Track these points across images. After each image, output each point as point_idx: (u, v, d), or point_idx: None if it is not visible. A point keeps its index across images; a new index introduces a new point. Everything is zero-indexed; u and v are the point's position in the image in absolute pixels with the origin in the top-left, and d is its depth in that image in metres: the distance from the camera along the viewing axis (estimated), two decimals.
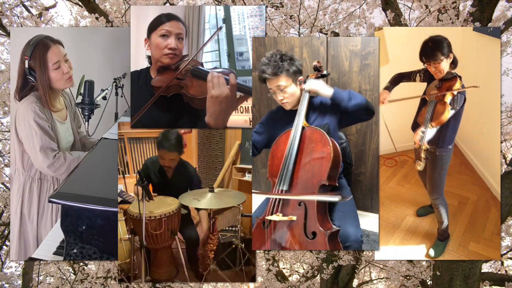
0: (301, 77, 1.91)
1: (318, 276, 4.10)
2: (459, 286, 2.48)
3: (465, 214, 2.16)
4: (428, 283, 2.92)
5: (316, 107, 1.93)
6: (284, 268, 4.32)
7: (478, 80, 2.10)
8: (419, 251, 2.13)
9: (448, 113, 1.91)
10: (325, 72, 1.96)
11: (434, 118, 1.92)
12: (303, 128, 1.84)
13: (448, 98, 1.92)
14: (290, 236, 1.78)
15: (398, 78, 2.14)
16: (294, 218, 1.76)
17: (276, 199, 1.80)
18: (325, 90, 1.86)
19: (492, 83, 2.10)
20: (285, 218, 1.76)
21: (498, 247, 2.09)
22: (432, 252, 2.12)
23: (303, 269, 4.43)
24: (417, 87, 2.10)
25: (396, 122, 2.16)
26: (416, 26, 2.55)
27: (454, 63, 1.98)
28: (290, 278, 4.22)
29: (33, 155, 2.09)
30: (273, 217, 1.76)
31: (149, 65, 2.04)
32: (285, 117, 1.96)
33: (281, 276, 3.91)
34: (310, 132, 1.84)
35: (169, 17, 1.98)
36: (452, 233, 2.13)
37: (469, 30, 2.15)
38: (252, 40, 2.22)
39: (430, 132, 1.94)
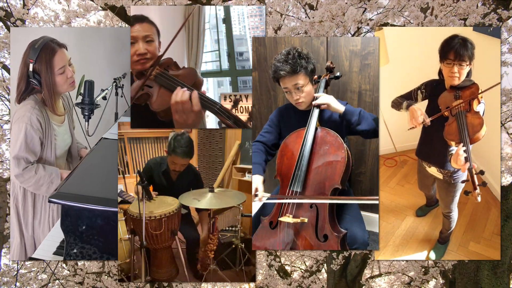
0: (315, 76, 1.89)
1: (324, 270, 4.04)
2: (487, 277, 2.20)
3: (465, 214, 2.16)
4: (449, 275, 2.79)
5: (326, 116, 1.92)
6: (286, 264, 4.26)
7: (478, 80, 2.10)
8: (420, 256, 2.13)
9: (485, 126, 1.56)
10: (338, 74, 1.93)
11: (471, 133, 1.57)
12: (316, 128, 1.82)
13: (476, 106, 1.62)
14: (300, 238, 1.78)
15: (400, 102, 2.02)
16: (306, 220, 1.75)
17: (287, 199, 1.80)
18: (336, 105, 1.82)
19: (492, 83, 2.09)
20: (298, 220, 1.75)
21: (498, 247, 2.09)
22: (432, 255, 2.12)
23: (306, 265, 4.40)
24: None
25: (396, 122, 2.16)
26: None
27: (469, 73, 1.80)
28: (292, 275, 4.17)
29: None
30: (286, 219, 1.75)
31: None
32: (295, 116, 1.93)
33: (283, 272, 3.86)
34: (323, 133, 1.82)
35: (135, 20, 1.92)
36: (452, 233, 2.13)
37: (469, 30, 2.15)
38: (252, 40, 2.22)
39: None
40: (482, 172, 1.45)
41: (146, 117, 1.95)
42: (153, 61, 1.91)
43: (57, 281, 3.35)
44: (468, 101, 1.62)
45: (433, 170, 1.87)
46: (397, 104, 1.98)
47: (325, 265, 3.85)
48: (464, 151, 1.52)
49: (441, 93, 1.80)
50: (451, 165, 1.56)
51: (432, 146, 1.79)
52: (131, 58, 1.92)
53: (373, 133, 1.83)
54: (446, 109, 1.67)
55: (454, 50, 1.73)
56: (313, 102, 1.85)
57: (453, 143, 1.61)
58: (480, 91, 1.65)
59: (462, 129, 1.59)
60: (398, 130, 2.18)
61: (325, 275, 4.27)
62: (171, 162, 2.14)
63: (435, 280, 3.25)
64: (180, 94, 1.81)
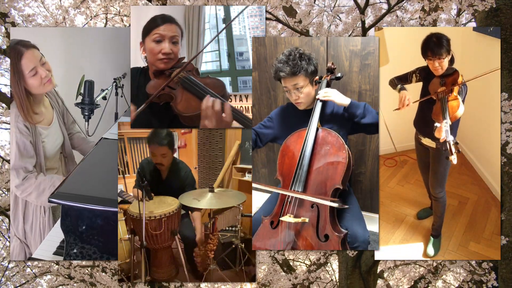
0: (316, 77, 1.90)
1: (329, 264, 3.91)
2: None
3: (465, 214, 2.16)
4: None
5: (328, 112, 1.93)
6: (290, 259, 4.16)
7: (477, 80, 2.11)
8: (416, 249, 2.14)
9: (461, 107, 1.95)
10: (339, 75, 1.95)
11: (451, 113, 1.94)
12: (317, 129, 1.83)
13: (457, 91, 1.96)
14: (301, 238, 1.79)
15: (395, 83, 2.14)
16: (307, 220, 1.76)
17: (288, 200, 1.80)
18: (341, 99, 1.85)
19: (492, 83, 2.10)
20: (299, 220, 1.75)
21: (498, 247, 2.09)
22: (430, 251, 2.12)
23: (310, 260, 4.32)
24: (414, 87, 2.11)
25: (396, 122, 2.16)
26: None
27: (452, 61, 2.01)
28: (297, 269, 4.06)
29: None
30: (287, 219, 1.75)
31: (146, 66, 2.02)
32: (296, 115, 1.95)
33: (287, 267, 3.74)
34: (324, 134, 1.83)
35: (164, 20, 1.92)
36: (452, 233, 2.13)
37: (469, 30, 2.15)
38: (252, 40, 2.22)
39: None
40: (457, 143, 1.87)
41: (162, 115, 1.98)
42: (175, 62, 1.93)
43: (47, 275, 3.35)
44: (450, 88, 1.98)
45: (427, 141, 2.08)
46: (392, 84, 2.15)
47: (331, 257, 3.72)
48: (445, 127, 1.91)
49: (431, 78, 2.05)
50: (435, 136, 1.96)
51: (427, 120, 2.04)
52: (155, 56, 1.90)
53: (376, 127, 1.91)
54: (434, 94, 2.03)
55: (430, 48, 1.99)
56: (318, 97, 1.87)
57: (437, 121, 1.97)
58: (460, 80, 1.98)
59: (444, 109, 1.95)
60: (398, 130, 2.18)
61: (334, 267, 4.17)
62: (152, 154, 2.14)
63: (453, 271, 3.12)
64: (212, 102, 1.83)
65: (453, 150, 1.87)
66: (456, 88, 1.95)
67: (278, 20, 2.51)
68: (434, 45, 1.98)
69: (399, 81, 2.13)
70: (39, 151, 2.10)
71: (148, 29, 1.92)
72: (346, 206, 1.76)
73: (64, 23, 2.69)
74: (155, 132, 2.09)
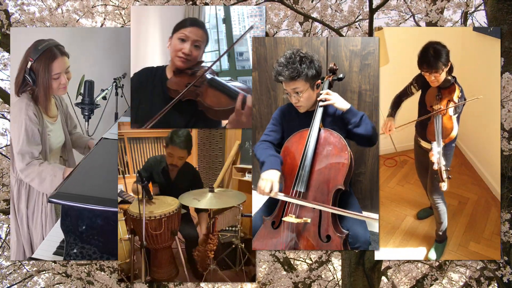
0: (318, 81, 1.87)
1: (338, 259, 3.86)
2: None
3: (465, 214, 2.16)
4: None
5: (331, 113, 1.91)
6: (291, 258, 4.12)
7: (478, 80, 2.11)
8: (418, 253, 2.13)
9: (456, 128, 1.91)
10: (341, 76, 1.93)
11: (444, 135, 1.90)
12: (319, 129, 1.82)
13: (451, 110, 1.92)
14: (302, 238, 1.79)
15: (398, 100, 2.13)
16: (309, 220, 1.76)
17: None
18: (341, 104, 1.82)
19: (492, 83, 2.10)
20: (301, 221, 1.75)
21: (498, 247, 2.09)
22: (432, 255, 2.12)
23: (311, 259, 4.30)
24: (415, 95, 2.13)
25: (396, 123, 2.16)
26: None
27: (450, 70, 1.97)
28: (298, 268, 4.03)
29: (14, 155, 2.12)
30: (289, 219, 1.75)
31: (166, 64, 2.08)
32: (298, 115, 1.94)
33: (287, 265, 3.71)
34: (326, 134, 1.83)
35: (192, 23, 2.03)
36: (452, 233, 2.13)
37: (469, 30, 2.15)
38: (252, 40, 2.22)
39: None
40: (447, 170, 1.86)
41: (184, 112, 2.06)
42: (192, 64, 2.03)
43: (44, 273, 3.35)
44: (445, 107, 1.93)
45: (426, 144, 2.07)
46: (391, 106, 2.16)
47: (333, 254, 3.69)
48: (438, 152, 1.88)
49: (429, 86, 2.03)
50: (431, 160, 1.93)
51: (425, 124, 2.04)
52: (176, 52, 2.01)
53: (368, 140, 1.82)
54: (430, 107, 1.99)
55: (427, 62, 1.95)
56: (319, 98, 1.86)
57: (432, 141, 1.96)
58: (457, 95, 1.95)
59: (437, 131, 1.92)
60: (398, 130, 2.18)
61: (336, 265, 4.15)
62: (168, 155, 2.15)
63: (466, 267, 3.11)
64: (249, 101, 1.96)
65: (444, 176, 1.81)
66: (451, 107, 1.91)
67: (281, 1, 2.51)
68: (431, 58, 1.93)
69: (400, 100, 2.12)
70: (45, 141, 2.16)
71: (177, 27, 2.02)
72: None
73: (59, 9, 2.67)
74: (176, 133, 2.10)
